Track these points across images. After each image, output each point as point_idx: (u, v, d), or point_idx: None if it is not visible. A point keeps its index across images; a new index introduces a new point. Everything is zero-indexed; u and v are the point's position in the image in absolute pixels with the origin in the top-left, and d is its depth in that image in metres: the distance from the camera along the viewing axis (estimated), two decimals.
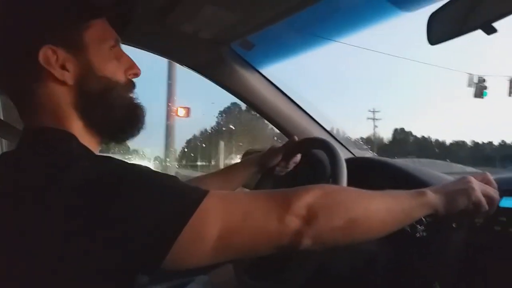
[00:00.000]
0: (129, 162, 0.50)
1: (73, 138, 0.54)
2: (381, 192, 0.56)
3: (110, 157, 0.50)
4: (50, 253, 0.43)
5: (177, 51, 1.13)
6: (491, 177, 0.65)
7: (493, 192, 0.62)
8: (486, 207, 0.60)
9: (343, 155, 0.78)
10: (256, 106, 1.23)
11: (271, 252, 0.50)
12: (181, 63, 1.16)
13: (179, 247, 0.44)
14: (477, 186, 0.60)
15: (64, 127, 0.54)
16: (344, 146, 1.28)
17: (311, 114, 1.28)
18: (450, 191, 0.59)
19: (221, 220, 0.46)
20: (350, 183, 0.72)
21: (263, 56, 1.23)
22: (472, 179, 0.61)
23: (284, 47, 1.32)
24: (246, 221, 0.48)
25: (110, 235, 0.43)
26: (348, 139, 1.41)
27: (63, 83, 0.54)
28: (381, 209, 0.54)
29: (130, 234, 0.43)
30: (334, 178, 0.73)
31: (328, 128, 1.31)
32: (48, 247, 0.43)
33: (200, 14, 0.93)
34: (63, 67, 0.53)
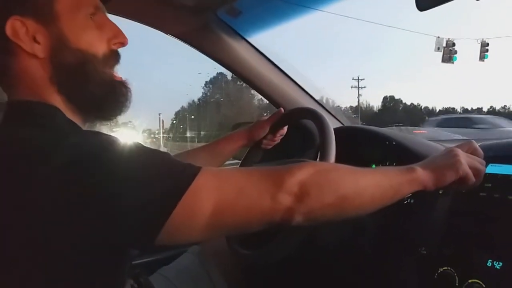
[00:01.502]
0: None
1: (58, 112, 0.52)
2: (371, 169, 0.57)
3: (99, 132, 0.49)
4: (43, 231, 0.42)
5: (160, 18, 1.07)
6: (477, 145, 0.66)
7: (480, 164, 0.62)
8: (473, 180, 0.60)
9: (332, 124, 0.77)
10: (244, 76, 1.20)
11: (263, 227, 0.51)
12: (165, 31, 1.11)
13: (172, 224, 0.44)
14: (464, 160, 0.60)
15: (46, 101, 0.52)
16: (333, 116, 1.28)
17: (299, 83, 1.26)
18: (438, 167, 0.59)
19: (214, 197, 0.46)
20: (339, 152, 0.72)
21: (250, 24, 1.18)
22: (460, 152, 0.61)
23: (272, 14, 1.27)
24: (239, 198, 0.48)
25: (102, 212, 0.42)
26: (337, 108, 1.41)
27: (34, 56, 0.51)
28: (371, 186, 0.55)
29: (122, 211, 0.43)
30: (322, 148, 0.73)
31: (317, 98, 1.30)
32: (41, 225, 0.42)
33: None
34: (34, 39, 0.51)
